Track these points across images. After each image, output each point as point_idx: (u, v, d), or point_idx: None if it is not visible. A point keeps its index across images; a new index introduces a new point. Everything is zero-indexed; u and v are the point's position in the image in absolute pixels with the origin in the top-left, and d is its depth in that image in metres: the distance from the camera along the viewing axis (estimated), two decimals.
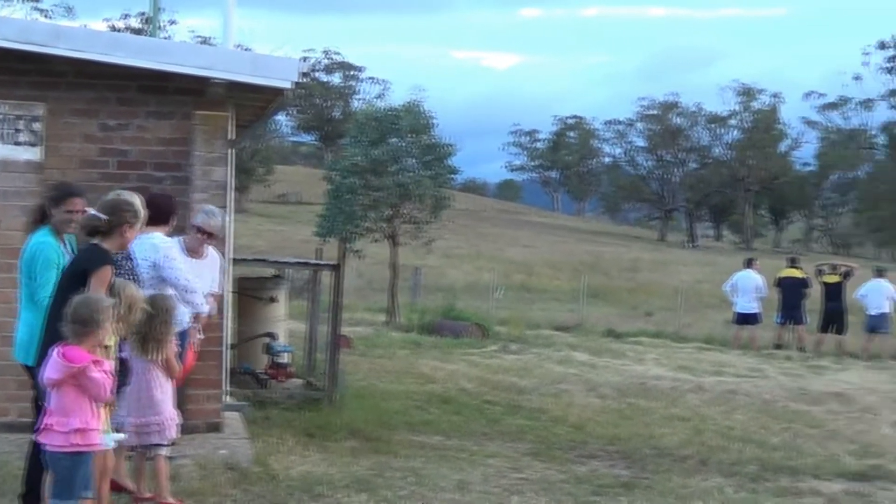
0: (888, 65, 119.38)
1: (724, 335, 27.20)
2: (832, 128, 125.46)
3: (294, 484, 8.73)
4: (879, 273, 27.80)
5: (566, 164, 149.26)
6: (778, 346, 25.81)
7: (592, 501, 9.09)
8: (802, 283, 26.74)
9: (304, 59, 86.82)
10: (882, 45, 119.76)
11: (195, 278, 8.96)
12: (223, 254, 9.98)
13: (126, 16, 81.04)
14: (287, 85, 9.74)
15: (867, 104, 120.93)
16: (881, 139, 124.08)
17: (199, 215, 9.26)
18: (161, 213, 8.64)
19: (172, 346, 7.76)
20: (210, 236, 9.29)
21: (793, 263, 27.96)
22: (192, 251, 9.22)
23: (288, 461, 9.51)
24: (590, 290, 34.64)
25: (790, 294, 26.51)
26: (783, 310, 26.63)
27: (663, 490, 9.62)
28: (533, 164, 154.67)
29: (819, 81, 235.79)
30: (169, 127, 9.95)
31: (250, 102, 10.76)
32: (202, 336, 9.39)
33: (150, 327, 7.47)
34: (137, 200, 7.49)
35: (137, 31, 68.72)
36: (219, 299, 9.81)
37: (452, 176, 31.49)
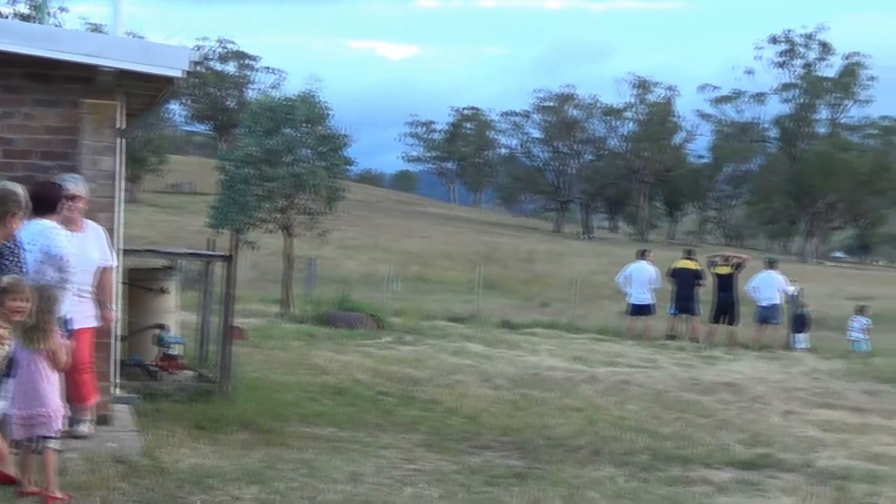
0: (780, 59, 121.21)
1: (618, 326, 27.48)
2: (726, 121, 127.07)
3: (184, 477, 8.62)
4: (770, 265, 28.23)
5: (463, 156, 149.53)
6: (671, 337, 26.14)
7: (485, 492, 9.09)
8: (696, 275, 27.08)
9: (197, 47, 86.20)
10: (774, 40, 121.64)
11: (81, 254, 8.87)
12: (111, 240, 9.83)
13: (14, 1, 79.66)
14: (178, 73, 9.63)
15: (759, 98, 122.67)
16: (773, 132, 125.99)
17: (64, 185, 9.12)
18: (48, 202, 8.52)
19: (57, 336, 7.64)
20: (77, 199, 9.14)
21: (688, 255, 28.39)
22: (69, 223, 9.06)
23: (178, 454, 9.40)
24: (485, 281, 34.82)
25: (684, 285, 26.85)
26: (677, 301, 26.98)
27: (556, 480, 9.65)
28: (429, 155, 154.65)
29: (713, 75, 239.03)
30: (56, 115, 9.76)
31: (141, 91, 10.60)
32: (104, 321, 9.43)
33: (36, 317, 7.35)
34: (21, 190, 7.39)
35: (25, 18, 67.44)
36: (110, 277, 9.74)
37: (348, 167, 31.42)
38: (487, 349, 20.80)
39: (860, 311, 28.02)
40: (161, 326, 13.61)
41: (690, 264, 27.53)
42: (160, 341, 13.48)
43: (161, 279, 14.24)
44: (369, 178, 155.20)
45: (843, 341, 27.97)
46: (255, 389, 13.24)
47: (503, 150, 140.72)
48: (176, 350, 13.60)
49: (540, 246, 71.39)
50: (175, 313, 14.31)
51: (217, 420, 11.08)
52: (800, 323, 27.44)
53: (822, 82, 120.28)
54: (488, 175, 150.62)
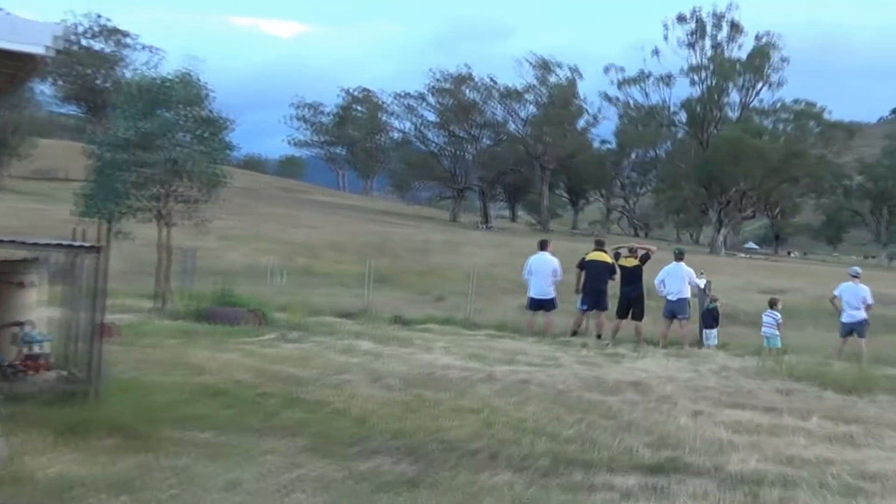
0: (688, 39, 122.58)
1: (517, 321, 27.59)
2: (631, 104, 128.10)
3: (47, 486, 8.48)
4: (679, 256, 28.20)
5: (353, 140, 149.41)
6: (574, 333, 26.25)
7: (374, 500, 9.06)
8: (609, 268, 27.11)
9: (64, 22, 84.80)
10: (682, 19, 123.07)
11: None
12: None
13: None
14: (40, 50, 9.42)
15: (667, 80, 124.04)
16: (681, 116, 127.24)
17: None
18: None
19: None
20: None
21: (599, 246, 27.84)
22: None
23: (41, 461, 9.25)
24: (376, 274, 34.78)
25: (596, 279, 26.84)
26: (588, 296, 26.91)
27: (450, 487, 9.63)
28: (317, 139, 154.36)
29: (619, 56, 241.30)
30: None
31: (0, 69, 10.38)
32: None
33: None
34: None
35: None
36: None
37: (229, 151, 31.17)
38: (378, 347, 20.76)
39: (772, 305, 28.31)
40: (22, 324, 13.36)
41: (603, 256, 27.36)
42: (21, 339, 13.24)
43: (23, 272, 13.97)
44: (253, 164, 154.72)
45: (756, 337, 28.29)
46: (127, 391, 13.07)
47: (396, 135, 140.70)
48: (40, 349, 13.36)
49: (435, 236, 71.46)
50: (39, 309, 14.06)
51: (85, 424, 10.90)
52: (710, 318, 27.78)
53: (732, 64, 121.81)
54: (380, 161, 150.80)
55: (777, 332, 27.32)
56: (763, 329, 27.86)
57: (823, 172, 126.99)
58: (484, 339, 23.70)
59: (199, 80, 29.98)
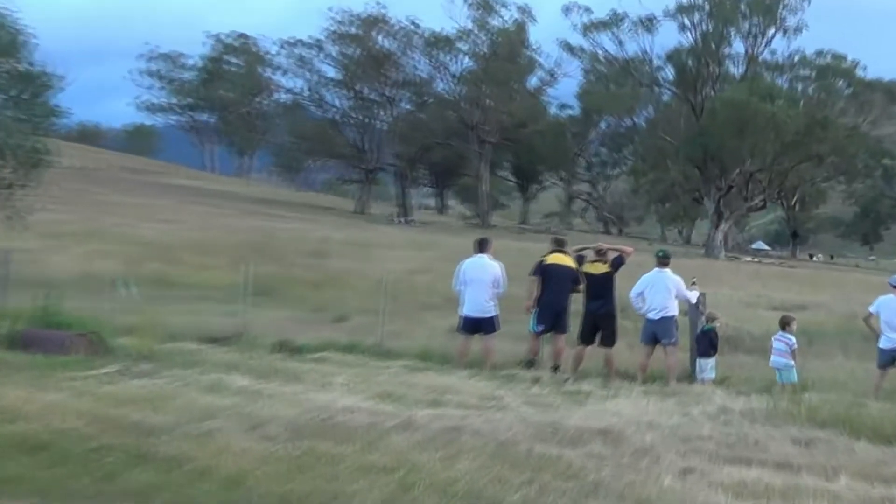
0: None
1: (446, 348, 27.58)
2: (601, 55, 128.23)
3: None
4: (663, 261, 27.74)
5: (224, 104, 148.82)
6: (530, 364, 26.18)
7: None
8: (572, 277, 26.94)
9: None
10: None
11: None
12: None
13: None
14: None
15: (647, 23, 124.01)
16: (667, 72, 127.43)
17: None
18: None
19: None
20: None
21: (558, 247, 27.70)
22: None
23: None
24: (257, 285, 34.68)
25: (555, 291, 26.69)
26: (545, 313, 26.77)
27: None
28: (176, 102, 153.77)
29: None
30: None
31: None
32: None
33: None
34: None
35: None
36: None
37: (56, 119, 31.02)
38: (257, 383, 20.74)
39: (784, 326, 28.19)
40: None
41: (564, 260, 27.15)
42: None
43: None
44: (89, 136, 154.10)
45: (766, 368, 28.34)
46: None
47: (284, 96, 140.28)
48: None
49: (336, 234, 71.46)
50: None
51: None
52: (705, 343, 27.67)
53: (735, 2, 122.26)
54: (262, 132, 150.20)
55: (792, 362, 27.27)
56: (773, 358, 27.78)
57: (856, 148, 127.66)
58: (401, 373, 23.73)
59: (13, 21, 29.81)
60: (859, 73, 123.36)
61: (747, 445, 17.17)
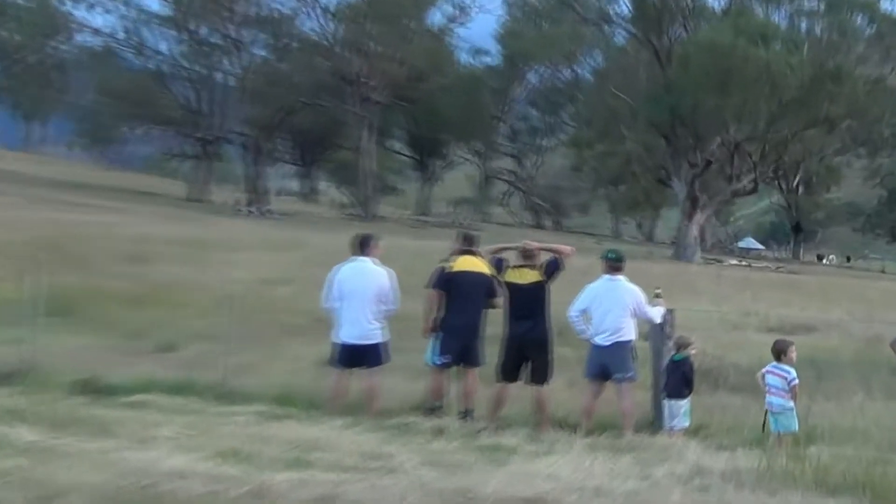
0: None
1: (314, 387, 27.32)
2: None
3: None
4: (614, 265, 27.37)
5: (5, 50, 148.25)
6: (430, 409, 25.87)
7: None
8: (487, 288, 26.51)
9: None
10: None
11: None
12: None
13: None
14: None
15: None
16: (622, 5, 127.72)
17: None
18: None
19: None
20: None
21: (468, 246, 27.34)
22: None
23: None
24: (50, 303, 34.29)
25: (464, 308, 26.33)
26: (451, 339, 26.40)
27: None
28: None
29: None
30: None
31: None
32: None
33: None
34: None
35: None
36: None
37: None
38: (51, 438, 20.42)
39: (779, 355, 27.63)
40: None
41: (477, 265, 26.78)
42: None
43: None
44: None
45: (757, 412, 28.17)
46: None
47: (90, 40, 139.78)
48: None
49: (162, 229, 71.52)
50: None
51: None
52: (676, 379, 27.37)
53: None
54: (59, 89, 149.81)
55: (791, 404, 26.95)
56: (767, 399, 27.52)
57: (881, 110, 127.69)
58: (251, 422, 23.45)
59: None
60: (885, 5, 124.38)
61: None
